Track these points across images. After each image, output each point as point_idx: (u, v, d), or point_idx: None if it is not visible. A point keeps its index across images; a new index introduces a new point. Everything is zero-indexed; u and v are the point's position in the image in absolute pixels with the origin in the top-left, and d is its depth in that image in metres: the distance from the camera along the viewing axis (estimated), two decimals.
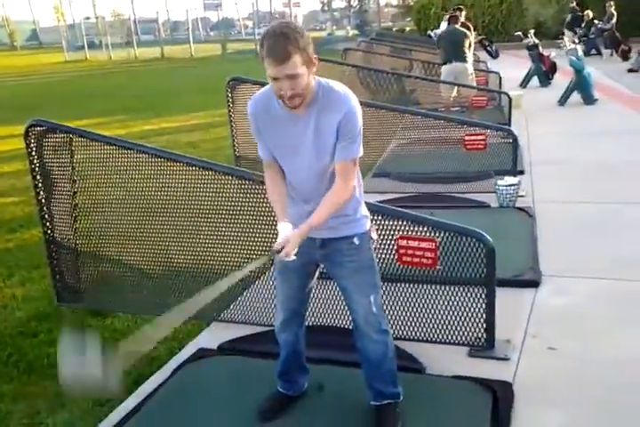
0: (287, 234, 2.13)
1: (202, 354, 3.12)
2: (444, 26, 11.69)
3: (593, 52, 16.47)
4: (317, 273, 2.49)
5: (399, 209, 3.10)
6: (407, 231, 3.04)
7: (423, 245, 2.98)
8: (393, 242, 3.07)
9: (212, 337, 3.33)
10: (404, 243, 3.02)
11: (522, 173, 5.98)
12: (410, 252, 3.01)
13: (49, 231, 3.80)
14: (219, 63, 26.05)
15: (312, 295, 2.62)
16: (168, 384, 2.89)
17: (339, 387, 2.75)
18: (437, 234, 2.98)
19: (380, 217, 3.05)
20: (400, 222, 3.06)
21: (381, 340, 2.40)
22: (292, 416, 2.57)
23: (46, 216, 3.76)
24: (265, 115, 2.17)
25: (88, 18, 46.81)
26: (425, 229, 3.02)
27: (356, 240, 2.31)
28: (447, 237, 3.00)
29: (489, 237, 2.92)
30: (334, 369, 2.87)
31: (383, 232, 3.11)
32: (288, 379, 2.61)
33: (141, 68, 28.06)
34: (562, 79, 11.03)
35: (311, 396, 2.69)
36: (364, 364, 2.46)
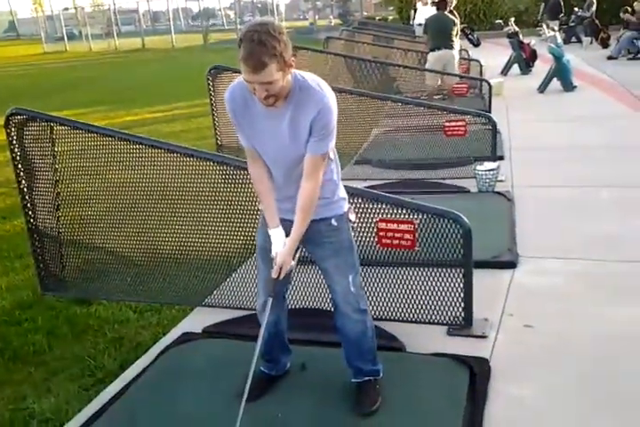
0: (281, 252, 2.24)
1: (186, 338, 3.17)
2: (422, 12, 11.71)
3: (573, 39, 16.62)
4: (298, 256, 2.54)
5: (379, 192, 3.16)
6: (387, 214, 3.09)
7: (402, 227, 3.04)
8: (373, 225, 3.13)
9: (196, 321, 3.37)
10: (383, 225, 3.08)
11: (501, 158, 6.06)
12: (389, 234, 3.07)
13: (32, 220, 3.82)
14: (200, 53, 25.87)
15: (293, 278, 2.66)
16: (152, 368, 2.93)
17: (321, 366, 2.81)
18: (416, 216, 3.05)
19: (360, 200, 3.11)
20: (380, 205, 3.12)
21: (360, 319, 2.46)
22: (274, 395, 2.63)
23: (28, 205, 3.77)
24: (242, 105, 2.19)
25: (67, 8, 46.13)
26: (404, 211, 3.08)
27: (334, 222, 2.36)
28: (425, 220, 3.06)
29: (465, 219, 2.98)
30: (317, 350, 2.93)
31: (363, 215, 3.17)
32: (270, 359, 2.66)
33: (122, 59, 27.81)
34: (542, 67, 11.09)
35: (294, 375, 2.75)
36: (344, 343, 2.52)
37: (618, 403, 2.48)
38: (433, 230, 3.08)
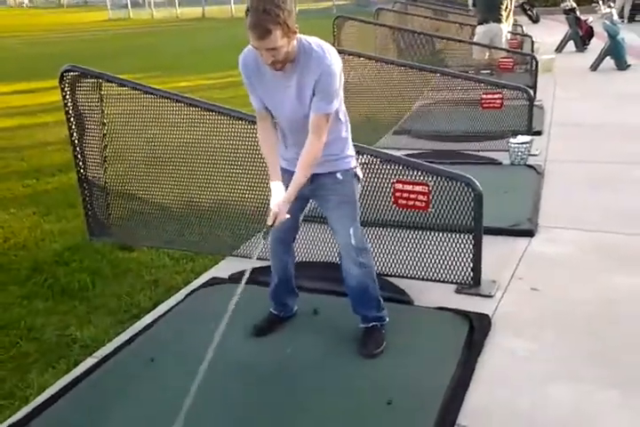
0: (277, 202, 2.39)
1: (213, 282, 3.46)
2: None
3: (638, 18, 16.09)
4: (307, 207, 2.75)
5: (394, 154, 3.34)
6: (403, 176, 3.28)
7: (417, 188, 3.21)
8: (390, 185, 3.31)
9: (224, 269, 3.66)
10: (399, 187, 3.26)
11: (539, 133, 6.11)
12: (405, 195, 3.26)
13: (82, 171, 4.15)
14: None
15: (300, 227, 2.84)
16: (180, 306, 3.24)
17: (332, 313, 3.05)
18: (430, 178, 3.22)
19: (377, 161, 3.30)
20: (396, 167, 3.30)
21: (360, 271, 2.65)
22: (286, 335, 2.89)
23: (79, 157, 4.10)
24: (255, 69, 2.39)
25: None
26: (419, 173, 3.25)
27: (339, 175, 2.56)
28: (439, 182, 3.23)
29: (477, 182, 3.13)
30: (330, 298, 3.16)
31: (380, 177, 3.36)
32: (278, 301, 2.92)
33: (183, 28, 28.22)
34: (599, 44, 10.87)
35: (306, 319, 3.00)
36: (348, 291, 2.74)
37: (609, 358, 2.62)
38: (446, 193, 3.25)
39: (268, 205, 2.44)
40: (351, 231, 2.58)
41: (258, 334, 2.86)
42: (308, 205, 2.74)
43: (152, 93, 3.68)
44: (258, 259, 3.64)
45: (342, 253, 2.64)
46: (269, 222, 2.41)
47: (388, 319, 2.82)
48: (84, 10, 42.92)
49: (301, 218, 2.76)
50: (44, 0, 53.58)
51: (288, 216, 2.42)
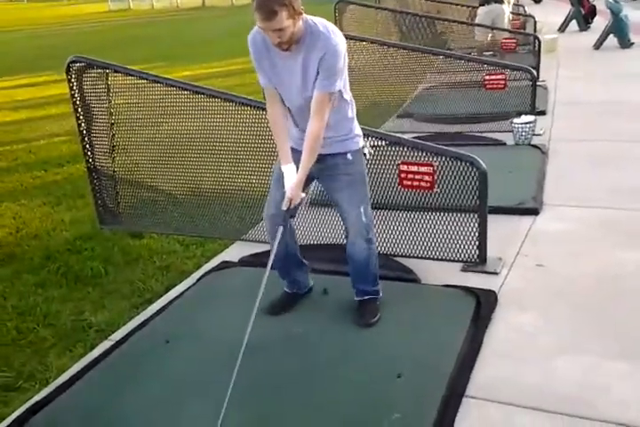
0: (290, 186, 2.46)
1: (224, 265, 3.52)
2: None
3: None
4: (308, 192, 2.80)
5: (400, 136, 3.37)
6: (407, 157, 3.31)
7: (422, 169, 3.25)
8: (395, 167, 3.35)
9: (234, 253, 3.72)
10: (404, 168, 3.30)
11: (543, 113, 6.13)
12: (410, 176, 3.30)
13: (90, 160, 4.20)
14: None
15: (300, 209, 2.80)
16: (192, 289, 3.31)
17: (341, 292, 3.10)
18: (434, 159, 3.26)
19: (383, 143, 3.33)
20: (401, 148, 3.34)
21: (367, 246, 2.72)
22: (293, 312, 2.96)
23: (87, 146, 4.15)
24: (263, 48, 2.43)
25: None
26: (423, 154, 3.29)
27: (349, 156, 2.61)
28: (444, 162, 3.27)
29: (481, 161, 3.17)
30: (338, 278, 3.19)
31: (385, 159, 3.40)
32: (289, 278, 2.97)
33: (183, 17, 28.18)
34: (602, 23, 10.81)
35: (316, 298, 3.07)
36: (351, 266, 2.81)
37: (615, 331, 2.66)
38: (451, 173, 3.28)
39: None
40: (362, 209, 2.64)
41: (272, 313, 2.92)
42: (312, 185, 2.78)
43: (158, 82, 3.72)
44: (266, 242, 3.73)
45: (351, 230, 2.69)
46: (284, 207, 2.48)
47: (382, 294, 2.89)
48: (85, 2, 42.80)
49: (306, 198, 2.80)
50: None
51: (303, 195, 2.49)
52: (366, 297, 2.85)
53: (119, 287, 3.63)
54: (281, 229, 2.54)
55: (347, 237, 2.74)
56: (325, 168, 2.61)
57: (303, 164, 2.47)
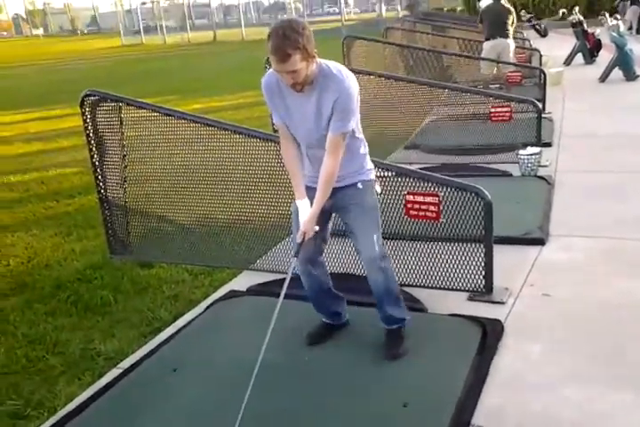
0: (304, 220, 2.55)
1: (232, 294, 3.56)
2: (486, 2, 11.73)
3: None
4: (331, 221, 2.85)
5: (407, 167, 3.43)
6: (414, 187, 3.37)
7: (428, 199, 3.31)
8: (401, 199, 3.40)
9: (242, 282, 3.76)
10: (410, 198, 3.35)
11: (549, 145, 6.19)
12: (416, 206, 3.35)
13: (102, 191, 4.27)
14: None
15: (325, 246, 2.90)
16: (200, 318, 3.33)
17: (354, 321, 3.11)
18: (440, 189, 3.31)
19: (389, 174, 3.39)
20: (407, 179, 3.40)
21: (385, 275, 2.74)
22: (300, 343, 2.96)
23: (100, 177, 4.23)
24: (276, 89, 2.53)
25: (144, 3, 47.88)
26: (429, 185, 3.35)
27: (360, 185, 2.68)
28: (449, 193, 3.31)
29: (486, 192, 3.22)
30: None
31: (392, 190, 3.46)
32: (325, 312, 2.99)
33: (194, 52, 28.75)
34: (607, 56, 10.98)
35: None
36: (373, 291, 2.80)
37: (620, 360, 2.67)
38: (457, 203, 3.33)
39: (288, 219, 2.53)
40: (374, 239, 2.68)
41: (310, 343, 2.94)
42: (331, 221, 2.84)
43: (169, 115, 3.81)
44: (274, 271, 3.78)
45: (365, 261, 2.73)
46: (298, 240, 2.55)
47: (409, 324, 2.89)
48: (98, 37, 43.82)
49: (329, 231, 2.85)
50: (58, 29, 54.86)
51: (317, 228, 2.57)
52: (394, 326, 2.85)
53: (128, 316, 3.67)
54: (295, 260, 2.60)
55: (363, 264, 2.78)
56: (338, 200, 2.68)
57: (317, 198, 2.55)
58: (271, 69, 2.48)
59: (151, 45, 35.13)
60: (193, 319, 3.33)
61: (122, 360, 3.07)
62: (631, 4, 15.45)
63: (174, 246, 4.27)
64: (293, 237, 2.82)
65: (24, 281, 4.35)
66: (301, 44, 2.27)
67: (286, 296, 3.13)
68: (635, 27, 15.92)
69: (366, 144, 2.73)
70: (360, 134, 2.66)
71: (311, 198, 2.60)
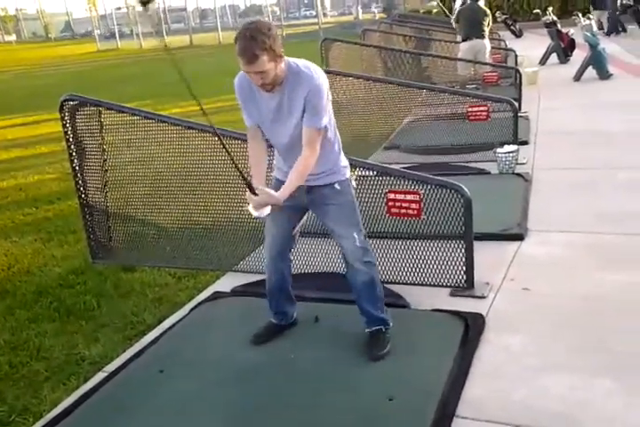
0: (270, 192, 2.51)
1: (216, 296, 3.57)
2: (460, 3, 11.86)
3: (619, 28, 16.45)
4: (304, 218, 2.89)
5: (387, 166, 3.48)
6: (394, 186, 3.41)
7: (409, 197, 3.35)
8: (383, 197, 3.44)
9: (227, 283, 3.77)
10: (392, 196, 3.40)
11: (525, 143, 6.28)
12: (397, 204, 3.39)
13: (83, 196, 4.26)
14: None
15: (296, 240, 2.95)
16: (185, 320, 3.34)
17: (333, 319, 3.15)
18: (421, 187, 3.36)
19: (371, 173, 3.44)
20: (388, 178, 3.44)
21: (366, 270, 2.77)
22: (289, 341, 2.99)
23: (80, 182, 4.22)
24: (248, 90, 2.56)
25: (119, 8, 47.64)
26: (410, 183, 3.39)
27: (337, 186, 2.71)
28: (430, 190, 3.36)
29: (466, 189, 3.27)
30: (329, 306, 3.27)
31: (373, 188, 3.50)
32: (278, 310, 3.02)
33: (171, 56, 28.59)
34: (581, 56, 11.14)
35: (308, 326, 3.11)
36: (355, 290, 2.84)
37: (599, 349, 2.73)
38: (437, 201, 3.38)
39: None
40: (355, 235, 2.72)
41: (257, 342, 2.96)
42: (305, 217, 2.86)
43: (150, 119, 3.82)
44: (257, 272, 3.80)
45: (347, 255, 2.76)
46: (254, 212, 2.51)
47: (392, 324, 2.91)
48: (73, 43, 43.45)
49: (298, 229, 2.87)
50: (31, 35, 54.31)
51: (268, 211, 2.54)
52: (374, 328, 2.86)
53: (112, 320, 3.65)
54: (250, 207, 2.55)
55: (345, 262, 2.81)
56: (315, 198, 2.70)
57: (287, 184, 2.53)
58: (242, 71, 2.49)
59: (127, 50, 34.93)
60: (178, 321, 3.34)
61: (107, 364, 3.07)
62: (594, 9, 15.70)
63: (157, 250, 4.27)
64: (267, 239, 2.85)
65: (4, 288, 4.32)
66: (268, 44, 2.30)
67: (262, 295, 3.17)
68: (606, 27, 16.15)
69: (340, 142, 2.75)
70: (332, 132, 2.66)
71: (288, 198, 2.57)
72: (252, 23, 2.37)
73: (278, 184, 2.67)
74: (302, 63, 2.50)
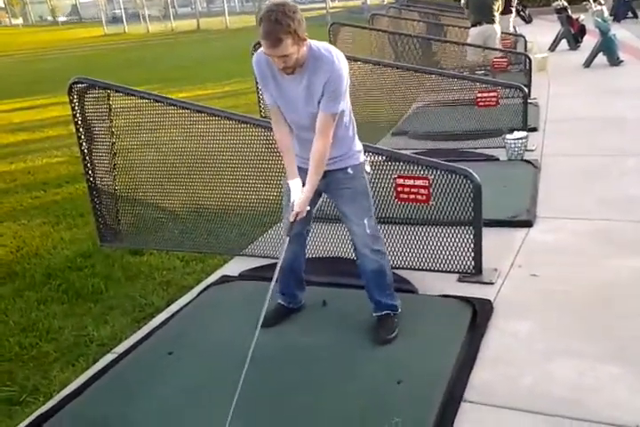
0: (297, 201, 2.56)
1: (224, 279, 3.58)
2: None
3: (629, 15, 16.26)
4: (320, 202, 2.89)
5: (396, 151, 3.46)
6: (404, 171, 3.40)
7: (418, 182, 3.34)
8: (392, 182, 3.43)
9: (235, 267, 3.78)
10: (401, 181, 3.38)
11: (535, 129, 6.25)
12: (406, 189, 3.38)
13: (91, 179, 4.27)
14: (253, 33, 26.22)
15: (312, 221, 2.95)
16: (193, 303, 3.36)
17: (341, 303, 3.17)
18: (430, 172, 3.34)
19: (380, 158, 3.42)
20: (397, 163, 3.43)
21: (375, 257, 2.78)
22: (296, 325, 3.01)
23: (89, 165, 4.22)
24: (267, 69, 2.53)
25: None
26: (419, 168, 3.38)
27: (350, 170, 2.70)
28: (439, 176, 3.35)
29: (475, 175, 3.26)
30: (338, 290, 3.28)
31: (383, 174, 3.48)
32: (287, 293, 3.04)
33: (178, 40, 28.48)
34: (591, 42, 11.03)
35: (316, 310, 3.12)
36: (364, 278, 2.85)
37: (606, 335, 2.73)
38: (446, 186, 3.37)
39: (280, 203, 2.55)
40: (365, 221, 2.72)
41: (265, 325, 2.97)
42: (320, 200, 2.87)
43: (159, 102, 3.81)
44: (265, 257, 3.81)
45: (357, 241, 2.77)
46: (291, 219, 2.57)
47: (400, 310, 2.92)
48: (79, 26, 43.22)
49: (313, 212, 2.87)
50: (38, 19, 54.04)
51: (309, 208, 2.61)
52: (383, 313, 2.87)
53: (121, 303, 3.68)
54: (287, 240, 2.62)
55: (354, 249, 2.82)
56: (329, 182, 2.70)
57: (310, 180, 2.56)
58: (261, 49, 2.45)
59: (134, 34, 34.68)
60: (186, 304, 3.35)
61: (116, 346, 3.09)
62: None
63: (165, 233, 4.28)
64: (284, 215, 2.84)
65: (13, 270, 4.34)
66: (293, 28, 2.27)
67: (271, 280, 3.17)
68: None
69: (355, 126, 2.74)
70: (348, 116, 2.65)
71: (303, 179, 2.62)
72: (277, 5, 2.30)
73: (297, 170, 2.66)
74: (324, 46, 2.47)
